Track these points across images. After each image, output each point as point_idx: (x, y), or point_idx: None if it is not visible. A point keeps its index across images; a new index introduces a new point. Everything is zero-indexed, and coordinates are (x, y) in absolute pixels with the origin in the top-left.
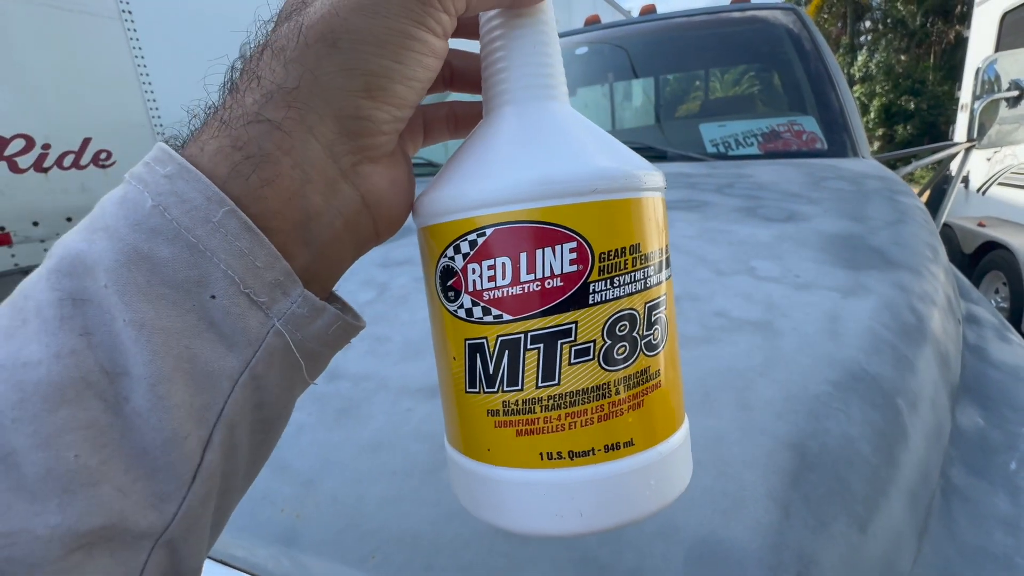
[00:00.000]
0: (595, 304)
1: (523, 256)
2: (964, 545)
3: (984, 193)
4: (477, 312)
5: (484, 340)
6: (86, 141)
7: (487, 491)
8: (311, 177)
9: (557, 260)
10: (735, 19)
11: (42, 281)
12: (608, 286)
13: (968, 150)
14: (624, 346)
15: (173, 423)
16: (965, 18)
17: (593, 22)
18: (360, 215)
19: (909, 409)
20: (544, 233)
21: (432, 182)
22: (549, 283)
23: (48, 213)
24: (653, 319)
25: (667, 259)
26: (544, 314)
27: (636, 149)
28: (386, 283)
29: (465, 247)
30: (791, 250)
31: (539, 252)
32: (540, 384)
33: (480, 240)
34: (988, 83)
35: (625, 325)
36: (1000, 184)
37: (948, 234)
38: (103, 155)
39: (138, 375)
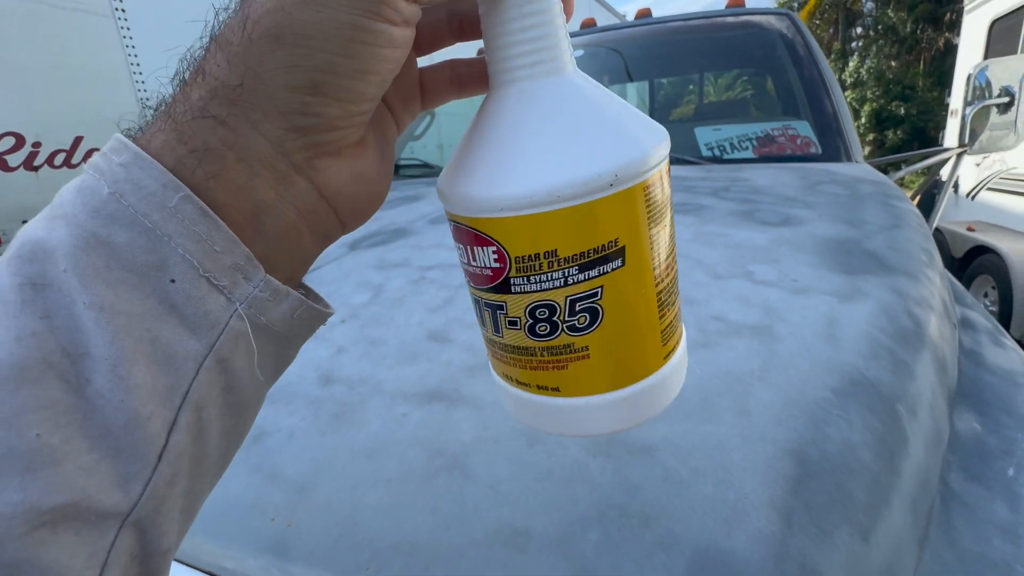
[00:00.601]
0: (517, 293)
1: (470, 248)
2: (964, 552)
3: (973, 198)
4: (465, 274)
5: (470, 291)
6: (77, 140)
7: (496, 388)
8: (258, 171)
9: (485, 257)
10: (730, 24)
11: (2, 268)
12: (525, 282)
13: (960, 155)
14: (545, 325)
15: (135, 403)
16: (955, 25)
17: (589, 25)
18: (318, 207)
19: (908, 415)
20: (476, 236)
21: (451, 163)
22: (484, 271)
23: (38, 212)
24: (578, 308)
25: (621, 249)
26: (486, 291)
27: None
28: (382, 285)
29: (451, 230)
30: (788, 254)
31: (475, 248)
32: (493, 334)
33: (452, 228)
34: (979, 89)
35: (545, 311)
36: (989, 189)
37: (938, 238)
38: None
39: (99, 356)
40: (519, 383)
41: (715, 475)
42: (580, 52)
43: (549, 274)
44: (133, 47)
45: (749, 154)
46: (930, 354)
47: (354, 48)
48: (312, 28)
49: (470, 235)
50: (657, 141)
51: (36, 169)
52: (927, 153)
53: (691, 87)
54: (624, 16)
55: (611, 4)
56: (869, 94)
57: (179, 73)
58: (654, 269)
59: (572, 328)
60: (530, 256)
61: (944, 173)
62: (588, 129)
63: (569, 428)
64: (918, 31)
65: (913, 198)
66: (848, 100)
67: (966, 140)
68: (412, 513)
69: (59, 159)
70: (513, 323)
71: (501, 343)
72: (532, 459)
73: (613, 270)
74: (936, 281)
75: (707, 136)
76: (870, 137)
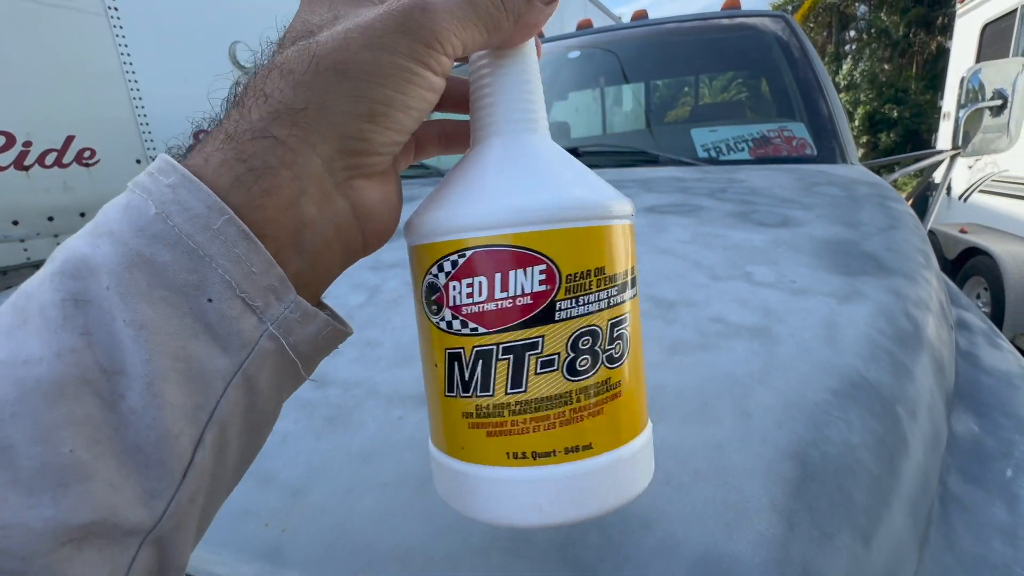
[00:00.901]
0: (561, 320)
1: (498, 276)
2: (963, 555)
3: (966, 200)
4: (456, 324)
5: (461, 350)
6: (69, 139)
7: (461, 485)
8: (307, 188)
9: (528, 280)
10: (726, 26)
11: (45, 283)
12: (574, 304)
13: (953, 158)
14: (586, 359)
15: (167, 421)
16: (947, 29)
17: (585, 27)
18: (350, 226)
19: (908, 417)
20: (517, 256)
21: (423, 204)
22: (520, 300)
23: (29, 212)
24: (615, 335)
25: (633, 280)
26: (514, 328)
27: (629, 153)
28: (377, 286)
29: (448, 266)
30: (786, 255)
31: (512, 273)
32: (509, 391)
33: (461, 260)
34: (972, 92)
35: (588, 340)
36: (981, 191)
37: (931, 240)
38: (87, 153)
39: (135, 374)
40: (537, 457)
41: (716, 478)
42: (576, 53)
43: (596, 294)
44: (126, 46)
45: (745, 155)
46: (929, 356)
47: (406, 88)
48: (375, 67)
49: (506, 257)
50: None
51: (27, 169)
52: (920, 155)
53: (686, 89)
54: (620, 18)
55: (607, 6)
56: (862, 97)
57: (232, 95)
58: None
59: (610, 359)
60: (582, 273)
61: (937, 175)
62: (593, 175)
63: (609, 498)
64: (910, 35)
65: (907, 200)
66: (842, 102)
67: (959, 142)
68: (408, 519)
69: (50, 159)
70: (548, 363)
71: (518, 402)
72: None
73: (633, 296)
74: (933, 283)
75: (703, 137)
76: (863, 139)
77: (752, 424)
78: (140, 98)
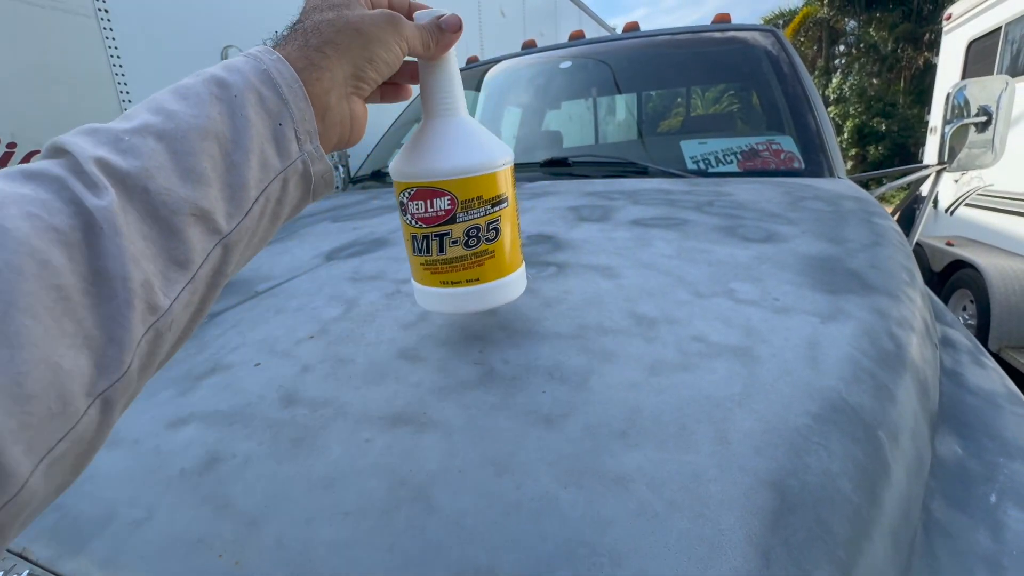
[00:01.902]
0: (459, 222)
1: (429, 200)
2: None
3: (952, 213)
4: (413, 222)
5: (415, 234)
6: None
7: (423, 296)
8: (335, 87)
9: (442, 203)
10: (716, 39)
11: (198, 84)
12: (465, 215)
13: (939, 172)
14: (474, 239)
15: (248, 177)
16: (934, 45)
17: (577, 37)
18: (346, 123)
19: (891, 442)
20: (436, 192)
21: (399, 155)
22: (439, 212)
23: None
24: (490, 228)
25: (506, 198)
26: (438, 225)
27: (619, 164)
28: (354, 299)
29: (408, 193)
30: (770, 272)
31: (434, 199)
32: (437, 254)
33: (412, 191)
34: (958, 108)
35: (474, 231)
36: (967, 205)
37: (918, 252)
38: None
39: (240, 144)
40: (453, 283)
41: (691, 509)
42: (568, 63)
43: (479, 209)
44: (116, 48)
45: (734, 168)
46: (912, 377)
47: (388, 50)
48: (376, 35)
49: (431, 192)
50: (511, 149)
51: None
52: (908, 170)
53: (679, 100)
54: (613, 29)
55: (600, 17)
56: (851, 110)
57: (295, 26)
58: (516, 210)
59: (487, 240)
60: (469, 199)
61: (924, 189)
62: (490, 140)
63: (487, 303)
64: (899, 50)
65: (894, 213)
66: (831, 116)
67: (945, 157)
68: (369, 551)
69: (35, 160)
70: (455, 242)
71: (443, 260)
72: (499, 490)
73: (505, 207)
74: (917, 301)
75: (692, 149)
76: (852, 152)
77: (731, 451)
78: (130, 101)
